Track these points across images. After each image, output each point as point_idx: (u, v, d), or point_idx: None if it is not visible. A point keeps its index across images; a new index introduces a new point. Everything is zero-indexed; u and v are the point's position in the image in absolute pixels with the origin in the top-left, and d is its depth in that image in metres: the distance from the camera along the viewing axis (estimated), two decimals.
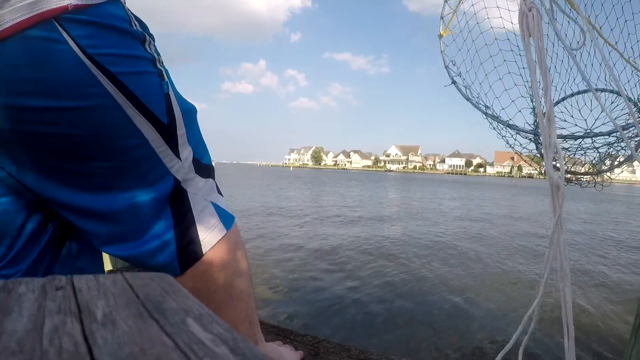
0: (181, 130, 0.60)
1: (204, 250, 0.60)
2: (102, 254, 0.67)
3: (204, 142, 0.67)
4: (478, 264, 4.56)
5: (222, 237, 0.62)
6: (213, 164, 0.71)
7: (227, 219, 0.65)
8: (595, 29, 1.03)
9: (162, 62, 0.59)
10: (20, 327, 0.18)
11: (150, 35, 0.59)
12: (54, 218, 0.60)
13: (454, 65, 1.30)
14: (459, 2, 1.33)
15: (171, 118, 0.58)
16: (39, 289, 0.23)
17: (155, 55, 0.57)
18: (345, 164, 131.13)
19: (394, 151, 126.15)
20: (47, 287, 0.24)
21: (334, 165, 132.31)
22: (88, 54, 0.47)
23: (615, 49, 1.27)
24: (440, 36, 1.31)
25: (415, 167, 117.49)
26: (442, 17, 1.31)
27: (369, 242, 5.47)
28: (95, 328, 0.19)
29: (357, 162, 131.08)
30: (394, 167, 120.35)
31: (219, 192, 0.68)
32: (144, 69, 0.54)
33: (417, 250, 5.09)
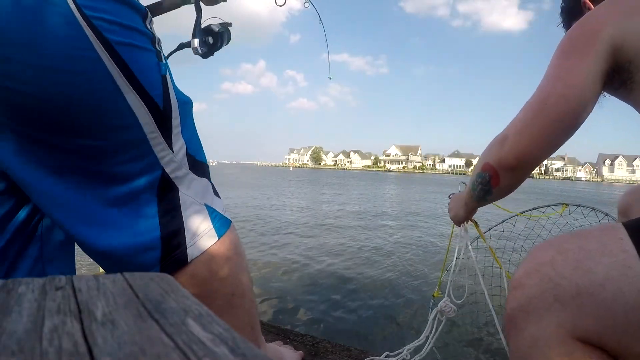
0: (176, 120, 0.55)
1: (189, 258, 0.55)
2: (73, 244, 0.62)
3: (198, 139, 0.62)
4: None
5: (213, 244, 0.58)
6: (214, 164, 0.68)
7: (221, 224, 0.60)
8: None
9: (161, 46, 0.55)
10: (20, 327, 0.18)
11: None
12: (27, 204, 0.57)
13: None
14: None
15: (167, 103, 0.53)
16: (38, 289, 0.23)
17: (156, 35, 0.54)
18: (345, 164, 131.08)
19: (393, 151, 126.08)
20: (46, 287, 0.24)
21: (334, 165, 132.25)
22: (85, 15, 0.44)
23: None
24: None
25: (415, 167, 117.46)
26: None
27: (369, 242, 5.47)
28: (95, 328, 0.19)
29: (357, 162, 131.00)
30: (393, 167, 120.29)
31: (216, 193, 0.63)
32: (142, 44, 0.50)
33: (417, 250, 5.09)
